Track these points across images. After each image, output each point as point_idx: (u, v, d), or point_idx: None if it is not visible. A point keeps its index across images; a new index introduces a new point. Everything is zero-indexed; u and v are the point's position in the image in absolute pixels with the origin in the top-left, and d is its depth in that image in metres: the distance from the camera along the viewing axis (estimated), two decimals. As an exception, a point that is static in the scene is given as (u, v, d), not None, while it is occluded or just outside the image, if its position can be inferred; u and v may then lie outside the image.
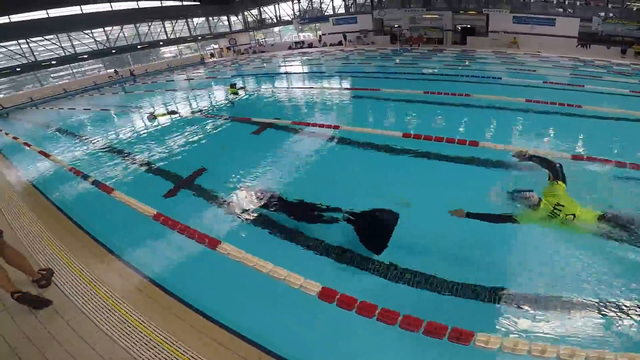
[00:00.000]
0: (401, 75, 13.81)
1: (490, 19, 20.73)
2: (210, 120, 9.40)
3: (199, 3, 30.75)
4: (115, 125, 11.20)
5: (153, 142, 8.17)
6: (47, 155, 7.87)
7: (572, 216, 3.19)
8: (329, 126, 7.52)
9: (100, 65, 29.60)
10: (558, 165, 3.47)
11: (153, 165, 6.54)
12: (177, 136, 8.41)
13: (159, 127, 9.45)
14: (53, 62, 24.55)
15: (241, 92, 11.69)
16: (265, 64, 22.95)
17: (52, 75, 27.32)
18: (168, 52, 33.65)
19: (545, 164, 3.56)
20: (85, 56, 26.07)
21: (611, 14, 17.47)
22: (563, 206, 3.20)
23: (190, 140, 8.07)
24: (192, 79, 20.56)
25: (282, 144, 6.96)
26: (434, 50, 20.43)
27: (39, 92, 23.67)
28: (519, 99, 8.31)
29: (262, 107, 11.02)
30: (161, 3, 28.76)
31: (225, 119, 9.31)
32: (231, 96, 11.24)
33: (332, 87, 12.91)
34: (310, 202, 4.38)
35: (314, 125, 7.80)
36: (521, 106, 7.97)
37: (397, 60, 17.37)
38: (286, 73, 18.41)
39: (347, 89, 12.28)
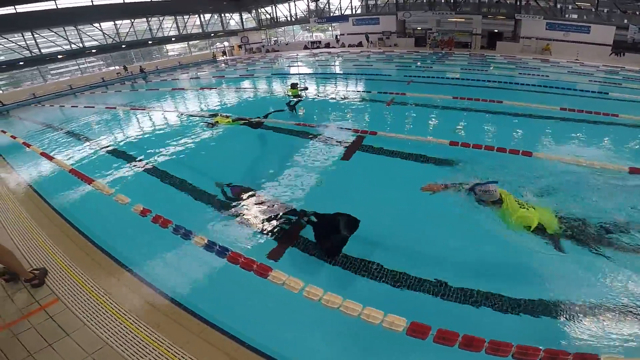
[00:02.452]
0: (492, 83, 12.17)
1: (522, 24, 20.43)
2: (281, 136, 7.77)
3: (211, -1, 29.56)
4: (157, 129, 9.76)
5: (216, 160, 6.86)
6: (90, 181, 6.23)
7: (532, 208, 3.42)
8: (515, 152, 5.66)
9: (101, 62, 28.03)
10: None
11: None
12: (252, 155, 6.98)
13: (220, 137, 8.09)
14: (59, 56, 23.05)
15: (303, 94, 9.95)
16: (298, 63, 21.88)
17: (51, 72, 25.70)
18: (172, 49, 32.14)
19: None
20: (94, 50, 24.60)
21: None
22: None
23: (267, 160, 6.67)
24: (222, 76, 19.36)
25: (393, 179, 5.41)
26: (474, 55, 19.82)
27: (41, 89, 22.18)
28: None
29: (333, 115, 9.26)
30: (173, -3, 27.43)
31: (300, 135, 7.59)
32: (292, 99, 9.51)
33: (432, 96, 10.15)
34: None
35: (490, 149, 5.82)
36: None
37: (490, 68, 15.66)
38: (341, 75, 16.64)
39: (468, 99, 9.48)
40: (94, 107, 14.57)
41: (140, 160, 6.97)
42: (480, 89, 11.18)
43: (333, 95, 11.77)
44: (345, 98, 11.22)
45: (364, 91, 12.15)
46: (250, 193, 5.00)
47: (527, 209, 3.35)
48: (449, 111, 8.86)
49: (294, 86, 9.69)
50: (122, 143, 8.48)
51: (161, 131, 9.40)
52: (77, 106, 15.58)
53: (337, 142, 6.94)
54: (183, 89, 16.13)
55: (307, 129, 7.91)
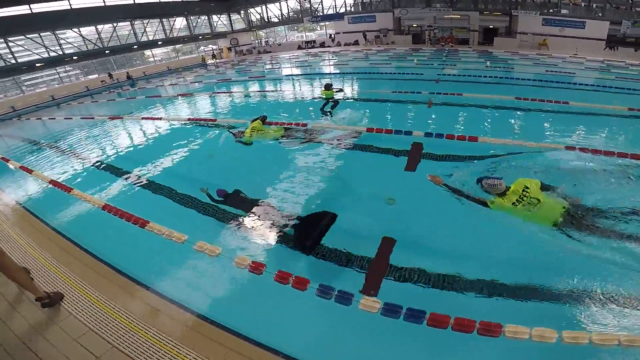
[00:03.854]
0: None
1: (519, 20, 20.93)
2: (329, 148, 6.54)
3: (198, 0, 28.27)
4: (168, 146, 8.02)
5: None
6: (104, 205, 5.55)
7: (536, 200, 3.58)
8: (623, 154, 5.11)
9: (78, 71, 25.77)
10: None
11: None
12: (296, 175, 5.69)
13: (253, 147, 6.89)
14: (38, 65, 21.15)
15: (337, 96, 9.11)
16: (303, 64, 20.98)
17: (25, 83, 23.31)
18: (154, 55, 30.01)
19: None
20: (75, 57, 22.79)
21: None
22: (529, 188, 3.62)
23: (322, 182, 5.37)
24: (228, 79, 18.34)
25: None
26: (481, 52, 19.76)
27: (20, 101, 20.27)
28: None
29: (374, 119, 8.29)
30: (159, -1, 25.96)
31: (345, 144, 6.59)
32: (327, 102, 8.69)
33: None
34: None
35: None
36: None
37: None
38: (359, 75, 15.54)
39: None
40: (92, 118, 13.25)
41: (170, 178, 6.09)
42: (520, 88, 10.71)
43: (363, 97, 10.92)
44: (377, 100, 10.41)
45: (393, 91, 11.19)
46: (238, 193, 4.85)
47: (522, 202, 3.61)
48: (504, 111, 8.38)
49: (328, 87, 8.74)
50: (133, 157, 7.58)
51: (181, 142, 8.15)
52: (70, 118, 14.13)
53: (393, 150, 6.13)
54: (191, 94, 15.07)
55: (351, 135, 6.98)
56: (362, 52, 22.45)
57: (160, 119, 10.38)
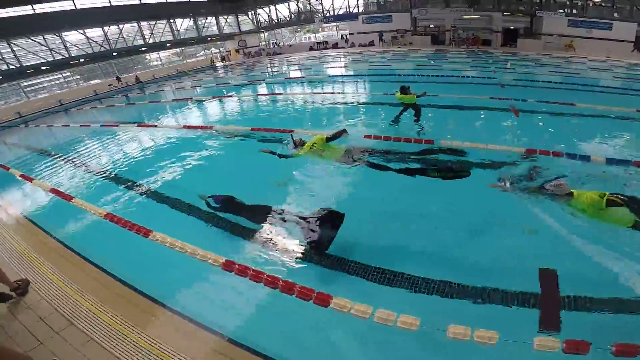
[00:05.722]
0: None
1: (544, 21, 20.58)
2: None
3: (205, 0, 27.26)
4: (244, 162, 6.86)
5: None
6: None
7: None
8: None
9: (78, 76, 24.13)
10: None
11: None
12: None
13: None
14: (43, 68, 19.95)
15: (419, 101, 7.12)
16: (331, 66, 19.93)
17: (25, 88, 21.66)
18: (155, 59, 28.33)
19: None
20: (82, 60, 21.62)
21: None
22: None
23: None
24: (260, 80, 17.46)
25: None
26: (516, 53, 19.09)
27: (26, 106, 19.08)
28: None
29: (466, 132, 6.72)
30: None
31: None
32: (404, 110, 7.04)
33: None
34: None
35: None
36: None
37: None
38: (409, 77, 13.73)
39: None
40: (117, 125, 11.68)
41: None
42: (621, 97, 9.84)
43: (435, 103, 8.98)
44: (451, 107, 8.82)
45: (462, 97, 9.57)
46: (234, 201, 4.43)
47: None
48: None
49: (404, 90, 6.64)
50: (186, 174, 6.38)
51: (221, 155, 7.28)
52: (87, 125, 12.88)
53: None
54: (229, 97, 14.16)
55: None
56: (389, 53, 21.62)
57: (211, 127, 9.06)
